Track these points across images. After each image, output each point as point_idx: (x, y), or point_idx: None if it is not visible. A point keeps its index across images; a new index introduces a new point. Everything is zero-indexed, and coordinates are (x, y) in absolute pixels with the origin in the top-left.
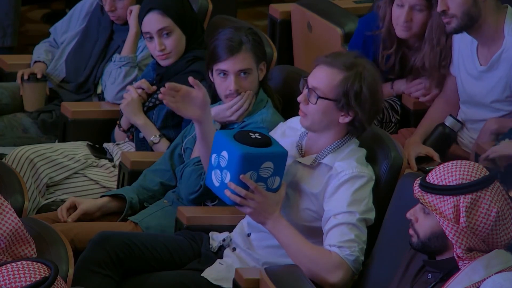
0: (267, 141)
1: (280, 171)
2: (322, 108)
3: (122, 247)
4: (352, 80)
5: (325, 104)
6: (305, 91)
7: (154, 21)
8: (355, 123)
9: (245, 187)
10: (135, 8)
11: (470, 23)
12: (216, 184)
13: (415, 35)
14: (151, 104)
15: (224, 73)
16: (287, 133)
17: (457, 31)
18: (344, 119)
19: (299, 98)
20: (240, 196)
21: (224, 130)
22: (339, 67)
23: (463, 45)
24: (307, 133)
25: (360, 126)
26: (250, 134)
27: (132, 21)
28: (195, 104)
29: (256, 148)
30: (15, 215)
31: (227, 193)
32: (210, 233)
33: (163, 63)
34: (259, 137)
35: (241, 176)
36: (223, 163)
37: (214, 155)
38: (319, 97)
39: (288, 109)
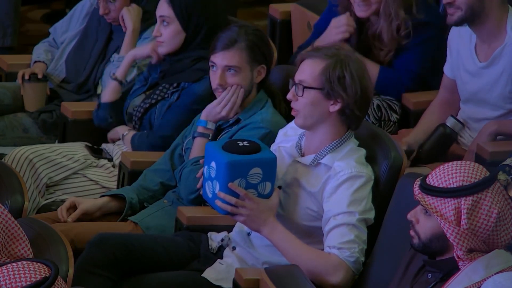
0: (256, 148)
1: (270, 176)
2: (310, 99)
3: (120, 248)
4: (333, 66)
5: (312, 95)
6: (293, 88)
7: (160, 6)
8: (346, 110)
9: (236, 195)
10: (125, 10)
11: (471, 18)
12: (209, 195)
13: (375, 13)
14: (153, 101)
15: (214, 65)
16: (289, 133)
17: (458, 24)
18: (334, 107)
19: (288, 96)
20: (231, 204)
21: (214, 142)
22: (321, 57)
23: (461, 44)
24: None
25: (351, 114)
26: (238, 142)
27: (128, 20)
28: None
29: (242, 155)
30: (6, 212)
31: (218, 203)
32: (209, 234)
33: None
34: (247, 144)
35: (229, 184)
36: (213, 174)
37: (205, 167)
38: (304, 87)
39: (288, 109)
